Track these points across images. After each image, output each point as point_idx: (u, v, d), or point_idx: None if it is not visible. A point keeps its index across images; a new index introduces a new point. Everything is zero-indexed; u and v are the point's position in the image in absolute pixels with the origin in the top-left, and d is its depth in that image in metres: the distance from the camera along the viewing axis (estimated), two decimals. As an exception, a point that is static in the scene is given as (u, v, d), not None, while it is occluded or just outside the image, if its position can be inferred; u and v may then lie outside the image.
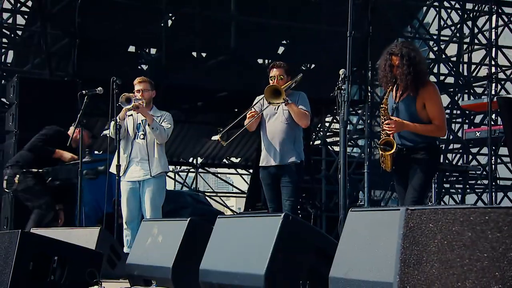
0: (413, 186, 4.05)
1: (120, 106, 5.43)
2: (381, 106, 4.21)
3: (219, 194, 16.31)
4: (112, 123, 5.43)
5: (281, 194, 4.98)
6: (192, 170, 15.47)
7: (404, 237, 1.85)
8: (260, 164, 5.11)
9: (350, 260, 2.72)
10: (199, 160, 15.19)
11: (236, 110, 12.35)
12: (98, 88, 5.74)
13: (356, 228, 2.80)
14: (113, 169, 5.54)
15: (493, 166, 10.10)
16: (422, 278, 1.75)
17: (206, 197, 14.05)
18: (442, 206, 1.79)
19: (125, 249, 5.33)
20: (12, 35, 10.30)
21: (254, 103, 5.16)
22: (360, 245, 2.70)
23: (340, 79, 4.28)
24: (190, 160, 15.25)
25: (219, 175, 17.09)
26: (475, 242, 1.65)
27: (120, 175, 5.46)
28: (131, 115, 5.60)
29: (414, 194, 4.02)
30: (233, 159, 15.44)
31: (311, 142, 12.16)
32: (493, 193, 10.32)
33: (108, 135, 5.62)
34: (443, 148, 11.02)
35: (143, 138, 5.53)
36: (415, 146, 4.10)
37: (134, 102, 5.37)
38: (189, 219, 3.96)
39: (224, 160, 15.38)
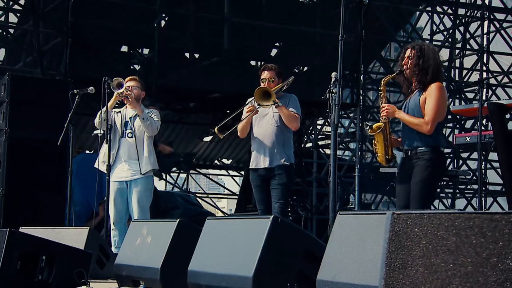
0: (415, 195, 4.03)
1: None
2: (379, 89, 4.27)
3: (210, 196, 16.31)
4: (99, 112, 5.44)
5: (271, 196, 4.98)
6: (183, 171, 15.44)
7: (389, 241, 1.86)
8: (250, 167, 5.11)
9: (337, 263, 2.73)
10: (191, 161, 15.17)
11: (228, 111, 12.35)
12: (90, 88, 5.74)
13: (344, 231, 2.81)
14: (102, 167, 5.53)
15: (483, 171, 10.14)
16: (407, 282, 1.76)
17: (197, 198, 14.05)
18: (428, 211, 1.80)
19: (113, 249, 5.33)
20: (4, 33, 10.26)
21: (245, 104, 5.17)
22: (348, 249, 2.72)
23: (331, 82, 4.30)
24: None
25: (210, 176, 17.08)
26: (459, 247, 1.66)
27: (105, 172, 5.47)
28: (119, 112, 5.61)
29: (418, 205, 4.01)
30: (225, 161, 15.43)
31: (302, 145, 12.18)
32: (483, 198, 10.37)
33: (99, 134, 5.63)
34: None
35: (131, 137, 5.54)
36: (418, 149, 4.08)
37: (125, 91, 5.39)
38: (178, 220, 3.96)
39: (216, 161, 15.37)
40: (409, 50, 4.15)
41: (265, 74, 5.04)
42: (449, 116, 11.38)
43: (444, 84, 11.69)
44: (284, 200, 4.94)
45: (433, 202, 4.30)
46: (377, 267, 2.32)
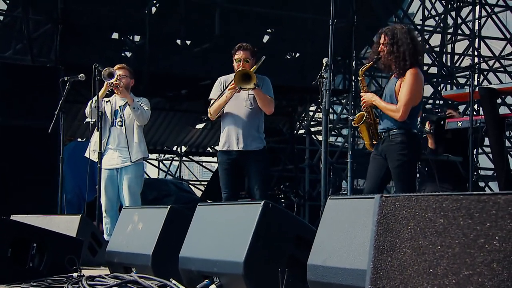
0: (396, 181, 4.10)
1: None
2: (358, 78, 4.31)
3: (203, 183, 16.31)
4: (90, 102, 5.42)
5: (250, 183, 4.86)
6: (176, 158, 15.44)
7: (378, 224, 1.86)
8: (220, 149, 4.92)
9: (328, 247, 2.74)
10: (183, 148, 15.17)
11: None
12: (80, 75, 5.70)
13: (335, 216, 2.81)
14: (93, 156, 5.52)
15: (474, 156, 10.17)
16: (395, 265, 1.77)
17: (190, 185, 14.06)
18: (416, 194, 1.81)
19: (105, 237, 5.33)
20: (-6, 21, 10.18)
21: (213, 93, 4.97)
22: (338, 233, 2.72)
23: (323, 67, 4.28)
24: (174, 148, 15.21)
25: (203, 163, 17.08)
26: (447, 228, 1.67)
27: (96, 161, 5.45)
28: (109, 100, 5.60)
29: (401, 189, 4.05)
30: (217, 148, 15.41)
31: (295, 131, 12.19)
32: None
33: (90, 122, 5.60)
34: (425, 137, 11.07)
35: (121, 125, 5.52)
36: (390, 131, 4.12)
37: (115, 80, 5.36)
38: (169, 206, 3.95)
39: (208, 148, 15.37)
40: (383, 36, 4.14)
41: (240, 54, 4.87)
42: (441, 102, 11.41)
43: (436, 70, 11.63)
44: (265, 185, 4.86)
45: (416, 184, 4.40)
46: (367, 251, 2.33)
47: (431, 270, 1.66)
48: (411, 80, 4.05)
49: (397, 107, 4.08)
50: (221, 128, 4.96)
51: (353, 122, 4.36)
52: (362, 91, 4.32)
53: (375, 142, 4.26)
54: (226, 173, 4.88)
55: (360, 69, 4.31)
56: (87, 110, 5.50)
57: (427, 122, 7.37)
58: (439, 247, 1.66)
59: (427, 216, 1.72)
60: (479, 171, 10.53)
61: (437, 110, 10.52)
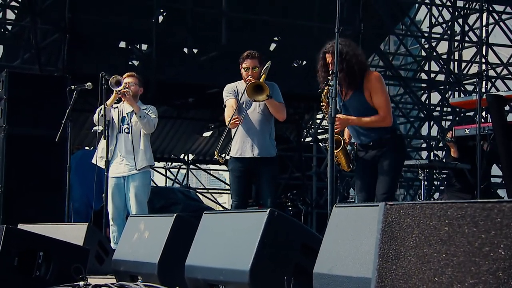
0: (382, 183, 4.06)
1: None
2: (322, 104, 4.21)
3: (210, 191, 16.31)
4: (98, 109, 5.44)
5: (260, 190, 4.85)
6: (184, 166, 15.46)
7: (382, 232, 1.85)
8: (232, 155, 4.86)
9: (334, 256, 2.73)
10: (191, 156, 15.18)
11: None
12: (87, 84, 5.72)
13: (340, 223, 2.80)
14: (100, 163, 5.53)
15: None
16: (400, 273, 1.76)
17: (198, 193, 14.06)
18: (420, 201, 1.79)
19: (112, 245, 5.33)
20: (2, 30, 10.26)
21: (226, 95, 4.91)
22: (344, 241, 2.71)
23: (329, 75, 4.26)
24: (182, 156, 15.24)
25: (210, 171, 17.08)
26: (452, 237, 1.66)
27: (103, 167, 5.46)
28: (117, 107, 5.61)
29: (384, 189, 4.03)
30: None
31: (302, 139, 12.18)
32: (483, 190, 10.30)
33: (97, 131, 5.62)
34: (433, 145, 11.06)
35: (128, 132, 5.54)
36: (382, 137, 4.10)
37: (123, 88, 5.38)
38: (175, 214, 3.95)
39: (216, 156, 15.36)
40: (329, 56, 4.08)
41: (249, 63, 4.82)
42: (449, 109, 11.38)
43: (443, 77, 11.59)
44: (275, 193, 4.86)
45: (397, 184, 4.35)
46: (373, 259, 2.32)
47: (436, 278, 1.65)
48: (378, 84, 4.06)
49: (382, 114, 4.05)
50: (233, 135, 4.90)
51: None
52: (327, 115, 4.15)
53: (351, 163, 4.22)
54: (237, 181, 4.84)
55: (322, 95, 4.18)
56: (96, 116, 5.52)
57: (449, 131, 7.33)
58: (444, 255, 1.65)
59: (432, 224, 1.71)
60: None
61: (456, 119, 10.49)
